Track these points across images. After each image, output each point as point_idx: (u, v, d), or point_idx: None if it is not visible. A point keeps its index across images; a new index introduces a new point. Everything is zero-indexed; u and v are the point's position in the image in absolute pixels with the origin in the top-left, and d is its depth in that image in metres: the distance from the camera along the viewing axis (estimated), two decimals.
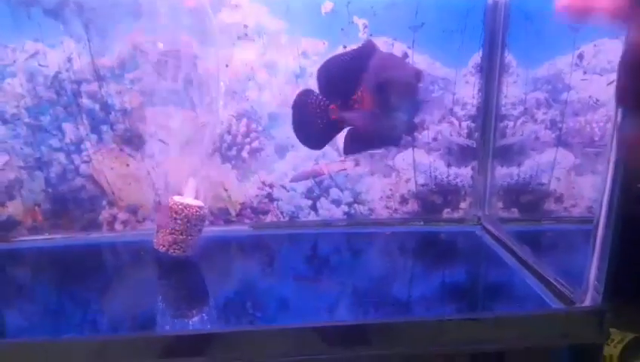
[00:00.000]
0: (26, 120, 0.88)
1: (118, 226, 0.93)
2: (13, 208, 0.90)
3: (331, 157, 0.95)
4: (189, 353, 0.63)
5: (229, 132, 0.93)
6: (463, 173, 0.99)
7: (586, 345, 0.70)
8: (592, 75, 0.91)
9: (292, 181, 0.96)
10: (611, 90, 0.67)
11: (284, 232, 0.97)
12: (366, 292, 0.78)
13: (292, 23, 0.89)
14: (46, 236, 0.91)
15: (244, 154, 0.94)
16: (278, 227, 0.97)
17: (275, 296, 0.77)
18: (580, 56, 0.91)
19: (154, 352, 0.62)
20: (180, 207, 0.78)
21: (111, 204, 0.93)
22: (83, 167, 0.91)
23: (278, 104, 0.92)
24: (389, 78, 0.70)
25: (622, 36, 0.61)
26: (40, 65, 0.86)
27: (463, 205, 1.00)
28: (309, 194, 0.97)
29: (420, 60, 0.92)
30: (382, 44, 0.91)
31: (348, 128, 0.79)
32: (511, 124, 0.95)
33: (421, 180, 0.98)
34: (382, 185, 0.98)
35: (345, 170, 0.97)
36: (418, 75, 0.72)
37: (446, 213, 1.00)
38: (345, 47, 0.90)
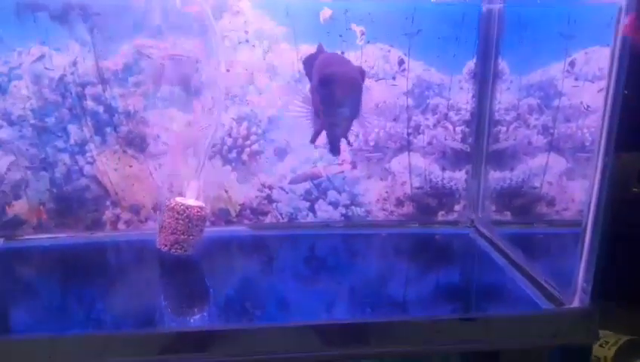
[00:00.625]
0: (32, 121, 0.90)
1: (121, 226, 0.96)
2: (19, 207, 0.92)
3: (329, 160, 0.97)
4: (189, 349, 0.65)
5: (229, 135, 0.95)
6: (457, 177, 1.01)
7: (575, 345, 0.73)
8: (583, 81, 0.93)
9: (291, 183, 0.98)
10: (602, 97, 0.69)
11: (282, 233, 0.99)
12: (361, 292, 0.81)
13: (292, 29, 0.91)
14: (50, 235, 0.93)
15: (245, 156, 0.96)
16: (277, 228, 1.00)
17: (273, 294, 0.79)
18: (572, 64, 0.93)
19: (156, 348, 0.64)
20: (182, 207, 0.80)
21: (114, 204, 0.95)
22: (87, 168, 0.93)
23: (277, 108, 0.95)
24: (334, 73, 0.69)
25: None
26: (46, 68, 0.88)
27: (457, 208, 1.02)
28: (307, 196, 1.00)
29: (415, 66, 0.95)
30: (378, 50, 0.94)
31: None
32: (504, 129, 0.97)
33: (416, 183, 1.01)
34: (378, 187, 1.00)
35: (342, 172, 0.99)
36: (362, 72, 0.72)
37: (440, 216, 1.02)
38: (342, 52, 0.92)
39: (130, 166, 0.93)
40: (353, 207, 1.01)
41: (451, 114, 0.98)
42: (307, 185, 0.99)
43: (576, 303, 0.71)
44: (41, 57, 0.88)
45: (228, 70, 0.91)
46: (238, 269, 0.88)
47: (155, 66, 0.90)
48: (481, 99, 0.97)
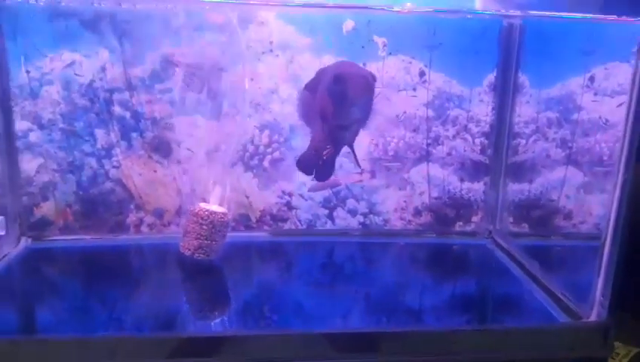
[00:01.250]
0: (61, 125, 0.92)
1: (144, 229, 0.98)
2: (47, 209, 0.95)
3: (348, 168, 0.99)
4: (207, 353, 0.66)
5: (252, 142, 0.97)
6: (476, 188, 1.02)
7: (591, 358, 0.73)
8: (602, 96, 0.94)
9: (310, 191, 1.00)
10: (621, 112, 0.70)
11: (301, 239, 1.01)
12: (378, 301, 0.82)
13: (315, 40, 0.93)
14: (76, 236, 0.96)
15: (266, 163, 0.98)
16: (296, 234, 1.01)
17: (291, 299, 0.80)
18: (592, 79, 0.94)
19: (172, 351, 0.65)
20: (206, 213, 0.82)
21: (138, 207, 0.97)
22: (113, 172, 0.95)
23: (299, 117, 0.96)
24: (347, 72, 0.69)
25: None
26: (76, 74, 0.91)
27: (474, 219, 1.03)
28: (326, 203, 1.01)
29: (436, 78, 0.96)
30: (400, 62, 0.95)
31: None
32: (523, 141, 0.98)
33: (435, 193, 1.02)
34: (397, 197, 1.01)
35: (361, 181, 1.00)
36: (373, 76, 0.71)
37: (458, 226, 1.03)
38: (364, 64, 0.94)
39: (155, 171, 0.96)
40: (371, 216, 1.02)
41: (471, 125, 0.99)
42: (326, 192, 1.01)
43: (593, 317, 0.71)
44: (72, 63, 0.91)
45: (252, 79, 0.93)
46: (258, 274, 0.89)
47: (182, 74, 0.92)
48: (500, 111, 0.98)
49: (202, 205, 0.84)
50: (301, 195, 1.00)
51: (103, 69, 0.91)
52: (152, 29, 0.91)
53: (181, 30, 0.91)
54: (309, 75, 0.93)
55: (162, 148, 0.95)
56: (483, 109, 0.98)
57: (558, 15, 0.81)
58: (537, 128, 0.97)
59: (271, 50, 0.93)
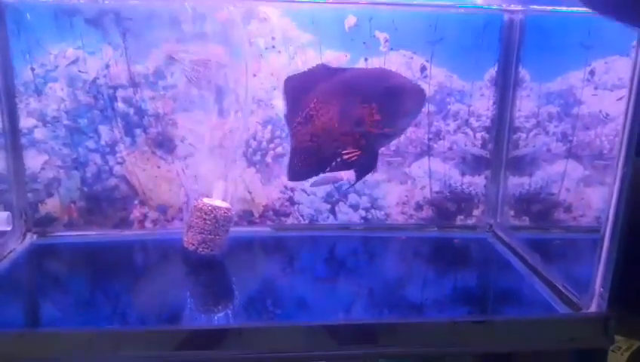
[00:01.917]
0: (65, 122, 0.93)
1: (148, 224, 0.99)
2: (51, 205, 0.96)
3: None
4: (208, 346, 0.67)
5: (254, 138, 0.98)
6: (477, 182, 1.03)
7: (591, 349, 0.74)
8: (602, 90, 0.95)
9: (312, 186, 1.01)
10: (621, 105, 0.70)
11: (304, 234, 1.01)
12: (379, 293, 0.82)
13: (317, 36, 0.94)
14: (80, 232, 0.97)
15: (268, 159, 0.99)
16: (298, 229, 1.02)
17: (294, 293, 0.81)
18: (592, 72, 0.95)
19: (174, 344, 0.66)
20: (210, 208, 0.83)
21: (142, 203, 0.98)
22: (117, 168, 0.96)
23: None
24: (404, 83, 0.71)
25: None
26: (80, 71, 0.92)
27: (475, 212, 1.04)
28: (328, 198, 1.02)
29: (437, 73, 0.97)
30: (401, 57, 0.96)
31: None
32: (524, 135, 0.99)
33: (436, 188, 1.03)
34: (398, 191, 1.02)
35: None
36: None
37: (459, 220, 1.04)
38: (366, 59, 0.95)
39: (159, 166, 0.97)
40: (373, 210, 1.03)
41: (472, 120, 1.00)
42: (328, 187, 1.01)
43: (593, 308, 0.72)
44: (76, 60, 0.91)
45: (254, 75, 0.94)
46: (261, 269, 0.90)
47: (185, 71, 0.93)
48: (501, 106, 0.99)
49: (206, 200, 0.85)
50: (303, 190, 1.01)
51: (107, 66, 0.92)
52: (156, 26, 0.91)
53: (184, 27, 0.92)
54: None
55: (166, 145, 0.96)
56: (484, 104, 0.99)
57: (555, 9, 0.81)
58: (538, 122, 0.98)
59: (273, 47, 0.94)
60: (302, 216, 1.02)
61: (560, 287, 0.79)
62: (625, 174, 0.68)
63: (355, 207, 1.03)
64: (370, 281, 0.86)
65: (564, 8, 0.80)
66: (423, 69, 0.97)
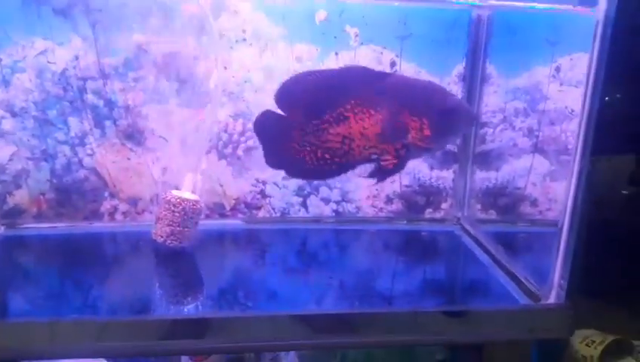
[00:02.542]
0: (34, 113, 0.92)
1: (118, 217, 0.98)
2: (20, 197, 0.95)
3: None
4: (181, 336, 0.68)
5: (225, 130, 0.98)
6: (445, 176, 1.04)
7: (550, 339, 0.76)
8: (568, 86, 0.97)
9: (284, 179, 1.01)
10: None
11: (275, 227, 1.02)
12: (349, 285, 0.84)
13: (288, 30, 0.94)
14: (50, 224, 0.96)
15: (240, 152, 0.99)
16: (269, 222, 1.03)
17: (264, 285, 0.82)
18: (558, 69, 0.97)
19: (149, 334, 0.68)
20: (178, 200, 0.83)
21: (112, 195, 0.98)
22: (86, 160, 0.96)
23: (272, 105, 0.97)
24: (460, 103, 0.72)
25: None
26: (49, 62, 0.91)
27: (444, 206, 1.06)
28: (299, 191, 1.03)
29: (407, 68, 0.98)
30: (371, 52, 0.97)
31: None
32: (490, 131, 1.01)
33: (405, 181, 1.04)
34: (368, 185, 1.03)
35: None
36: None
37: (428, 213, 1.06)
38: (337, 54, 0.96)
39: (129, 158, 0.96)
40: (344, 203, 1.04)
41: None
42: (300, 181, 1.02)
43: (552, 299, 0.74)
44: (44, 51, 0.91)
45: (225, 68, 0.94)
46: (231, 261, 0.91)
47: (155, 62, 0.93)
48: (469, 101, 1.00)
49: (174, 192, 0.85)
50: (275, 183, 1.02)
51: (76, 57, 0.91)
52: (125, 17, 0.91)
53: (154, 18, 0.91)
54: (282, 64, 0.95)
55: (136, 136, 0.96)
56: None
57: (511, 5, 0.83)
58: (505, 118, 1.00)
59: (244, 40, 0.94)
60: (273, 209, 1.03)
61: (522, 279, 0.81)
62: (581, 169, 0.70)
63: (326, 201, 1.04)
64: (341, 273, 0.88)
65: (519, 3, 0.82)
66: (392, 64, 0.98)
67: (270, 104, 0.96)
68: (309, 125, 0.81)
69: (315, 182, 1.02)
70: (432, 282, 0.87)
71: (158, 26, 0.92)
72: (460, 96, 1.00)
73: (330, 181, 1.02)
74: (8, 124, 0.92)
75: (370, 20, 0.95)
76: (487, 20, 0.97)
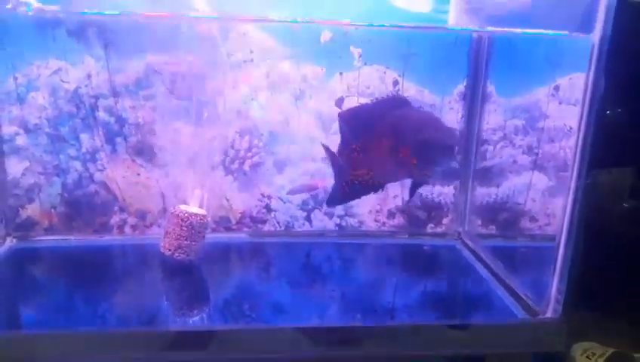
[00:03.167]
0: (47, 130, 0.96)
1: (127, 230, 1.01)
2: (32, 210, 0.98)
3: (325, 173, 1.02)
4: (187, 348, 0.70)
5: (232, 147, 1.01)
6: (446, 192, 1.07)
7: (547, 353, 0.78)
8: (567, 105, 0.99)
9: (289, 194, 1.04)
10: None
11: (280, 241, 1.05)
12: (352, 298, 0.86)
13: (294, 50, 0.97)
14: (61, 237, 0.99)
15: (246, 167, 1.02)
16: (274, 236, 1.05)
17: (269, 297, 0.84)
18: (557, 88, 0.99)
19: (157, 346, 0.70)
20: (186, 215, 0.86)
21: (121, 209, 1.00)
22: (97, 175, 0.99)
23: (278, 123, 1.00)
24: (432, 139, 0.73)
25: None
26: (62, 80, 0.94)
27: (445, 221, 1.08)
28: (304, 206, 1.05)
29: (409, 87, 1.01)
30: (375, 71, 1.00)
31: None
32: (491, 148, 1.03)
33: (407, 196, 1.06)
34: (371, 200, 1.05)
35: None
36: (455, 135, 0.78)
37: (429, 228, 1.08)
38: (341, 73, 0.98)
39: (138, 174, 0.99)
40: (347, 218, 1.06)
41: None
42: (304, 195, 1.04)
43: (549, 313, 0.76)
44: (58, 70, 0.94)
45: (233, 86, 0.97)
46: (237, 274, 0.93)
47: (165, 81, 0.96)
48: (469, 119, 1.03)
49: (182, 207, 0.87)
50: (280, 198, 1.04)
51: (89, 76, 0.95)
52: (137, 38, 0.94)
53: (164, 39, 0.94)
54: (288, 83, 0.98)
55: (145, 153, 0.98)
56: (453, 117, 1.03)
57: (510, 31, 0.85)
58: (505, 135, 1.02)
59: (251, 60, 0.97)
60: (278, 222, 1.05)
61: (520, 294, 0.83)
62: (578, 186, 0.72)
63: (329, 215, 1.06)
64: (343, 287, 0.90)
65: (518, 30, 0.85)
66: (395, 83, 1.00)
67: (275, 121, 1.00)
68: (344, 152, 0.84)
69: (320, 197, 1.05)
70: (433, 296, 0.89)
71: (168, 47, 0.95)
72: (459, 115, 1.03)
73: None
74: (22, 140, 0.95)
75: (374, 41, 0.98)
76: (487, 41, 0.99)
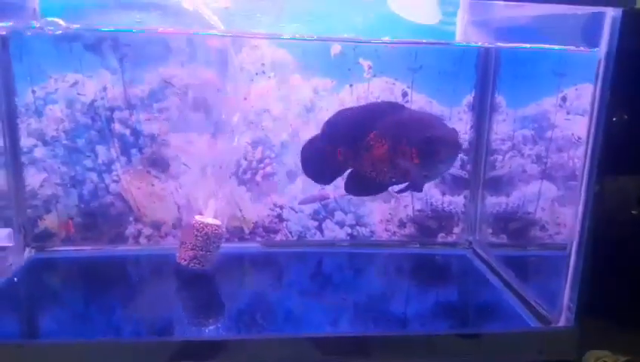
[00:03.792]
0: (64, 142, 0.98)
1: (142, 240, 1.03)
2: (49, 221, 1.00)
3: (336, 183, 1.04)
4: (201, 357, 0.71)
5: (245, 158, 1.02)
6: (457, 201, 1.08)
7: (561, 360, 0.78)
8: (574, 115, 1.00)
9: (301, 203, 1.05)
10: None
11: (292, 250, 1.06)
12: (364, 307, 0.87)
13: (304, 63, 0.99)
14: (77, 247, 1.00)
15: (258, 178, 1.03)
16: (286, 245, 1.06)
17: (281, 306, 0.85)
18: (564, 98, 1.00)
19: (172, 355, 0.70)
20: (201, 225, 0.87)
21: (137, 220, 1.02)
22: (113, 186, 1.00)
23: (290, 134, 1.02)
24: (438, 137, 0.74)
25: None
26: (78, 93, 0.96)
27: (455, 230, 1.09)
28: (315, 215, 1.07)
29: (418, 99, 1.02)
30: (384, 83, 1.01)
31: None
32: (500, 157, 1.04)
33: (418, 206, 1.07)
34: (382, 209, 1.07)
35: (348, 194, 1.05)
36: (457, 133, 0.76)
37: (440, 237, 1.09)
38: (351, 85, 1.00)
39: (153, 185, 1.01)
40: (358, 227, 1.08)
41: None
42: (315, 205, 1.06)
43: (562, 322, 0.77)
44: (75, 83, 0.96)
45: (245, 98, 0.99)
46: (250, 283, 0.94)
47: (179, 94, 0.98)
48: (478, 129, 1.04)
49: (197, 218, 0.89)
50: (292, 208, 1.06)
51: (105, 89, 0.97)
52: (151, 52, 0.96)
53: (178, 52, 0.97)
54: (298, 95, 1.00)
55: (160, 164, 1.00)
56: (462, 127, 1.04)
57: (520, 46, 0.87)
58: (513, 145, 1.03)
59: (263, 72, 0.99)
60: (290, 232, 1.07)
61: (532, 302, 0.84)
62: (588, 196, 0.73)
63: (341, 224, 1.07)
64: (355, 296, 0.90)
65: (527, 45, 0.86)
66: (404, 94, 1.02)
67: (287, 133, 1.02)
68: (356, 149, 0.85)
69: (331, 206, 1.06)
70: (445, 305, 0.89)
71: (182, 60, 0.97)
72: (468, 126, 1.04)
73: (344, 205, 1.06)
74: (40, 152, 0.97)
75: (383, 53, 1.00)
76: (495, 53, 1.01)
